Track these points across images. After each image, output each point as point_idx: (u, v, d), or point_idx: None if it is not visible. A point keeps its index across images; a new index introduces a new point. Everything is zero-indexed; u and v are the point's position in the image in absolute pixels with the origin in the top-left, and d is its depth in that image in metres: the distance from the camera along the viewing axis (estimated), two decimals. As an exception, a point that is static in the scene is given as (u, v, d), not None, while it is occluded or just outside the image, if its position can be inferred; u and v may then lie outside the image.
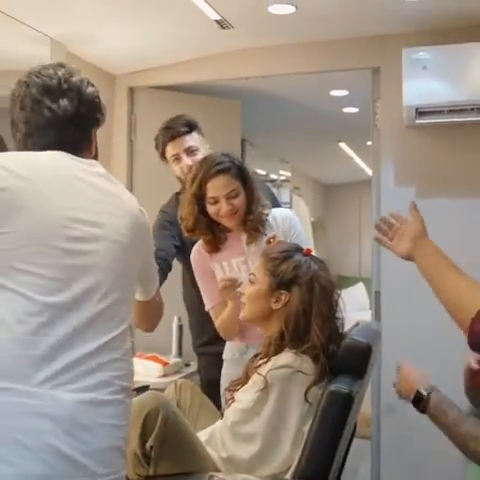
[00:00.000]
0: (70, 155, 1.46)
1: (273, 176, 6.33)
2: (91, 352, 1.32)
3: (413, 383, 1.76)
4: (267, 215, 2.29)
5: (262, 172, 5.87)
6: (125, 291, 1.44)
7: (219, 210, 2.20)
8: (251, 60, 3.38)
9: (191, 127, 2.76)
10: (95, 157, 1.57)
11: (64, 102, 1.47)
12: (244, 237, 2.26)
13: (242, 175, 2.24)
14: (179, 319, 3.23)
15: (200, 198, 2.21)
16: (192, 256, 2.37)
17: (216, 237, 2.28)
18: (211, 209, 2.21)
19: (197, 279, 2.38)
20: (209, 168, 2.19)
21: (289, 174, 6.87)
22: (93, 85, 1.54)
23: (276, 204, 2.69)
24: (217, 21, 2.92)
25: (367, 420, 3.27)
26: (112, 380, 1.33)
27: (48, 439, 1.23)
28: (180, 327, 3.23)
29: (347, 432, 1.88)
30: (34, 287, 1.30)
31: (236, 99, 3.90)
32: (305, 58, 3.33)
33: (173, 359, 3.12)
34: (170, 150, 2.75)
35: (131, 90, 3.64)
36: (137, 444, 1.75)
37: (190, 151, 2.72)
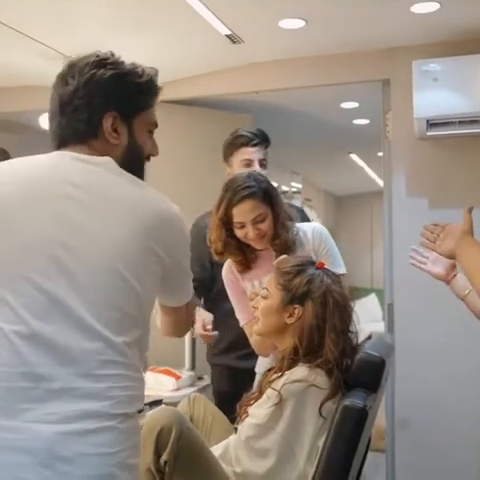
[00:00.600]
0: (71, 154, 1.36)
1: (284, 188, 6.34)
2: (73, 382, 1.23)
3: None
4: (294, 241, 2.23)
5: (273, 184, 5.88)
6: (124, 307, 1.30)
7: (246, 234, 2.17)
8: (262, 74, 3.40)
9: (268, 144, 2.83)
10: (129, 147, 1.43)
11: (65, 89, 1.39)
12: (274, 255, 2.21)
13: (269, 199, 2.19)
14: (192, 332, 3.22)
15: (227, 222, 2.18)
16: (223, 274, 2.35)
17: (246, 257, 2.26)
18: (238, 233, 2.19)
19: (230, 296, 2.36)
20: (235, 193, 2.15)
21: (300, 186, 6.89)
22: (112, 66, 1.40)
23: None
24: (228, 36, 2.95)
25: (381, 433, 3.25)
26: (101, 409, 1.24)
27: (21, 472, 1.18)
28: (193, 340, 3.22)
29: (361, 446, 1.87)
30: (8, 316, 1.23)
31: (247, 112, 3.91)
32: (315, 71, 3.35)
33: (186, 372, 3.11)
34: (245, 154, 2.75)
35: (143, 105, 3.66)
36: (151, 459, 1.75)
37: (262, 164, 2.77)
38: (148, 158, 1.51)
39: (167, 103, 3.68)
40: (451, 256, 1.79)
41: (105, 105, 1.39)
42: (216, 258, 2.31)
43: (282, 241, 2.20)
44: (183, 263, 1.47)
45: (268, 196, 2.19)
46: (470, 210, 1.78)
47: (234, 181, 2.19)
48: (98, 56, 1.41)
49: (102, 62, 1.40)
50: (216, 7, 2.64)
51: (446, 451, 3.02)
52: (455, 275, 2.00)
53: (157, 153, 1.53)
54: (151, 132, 1.50)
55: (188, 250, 1.48)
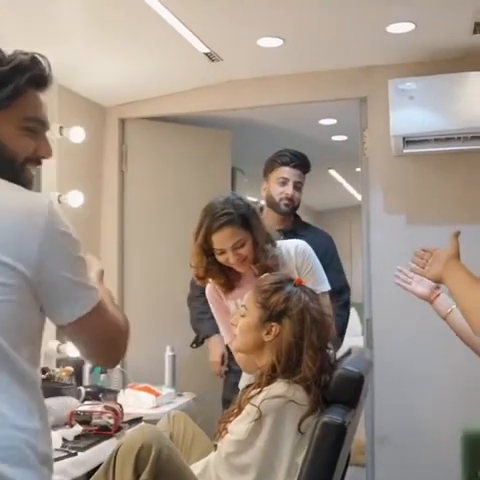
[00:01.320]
0: None
1: (264, 203, 6.35)
2: None
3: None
4: (276, 265, 2.22)
5: (253, 199, 5.90)
6: None
7: (227, 259, 2.17)
8: (241, 91, 3.43)
9: (307, 170, 3.01)
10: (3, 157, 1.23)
11: None
12: (257, 274, 2.20)
13: (247, 224, 2.17)
14: (172, 349, 3.22)
15: (207, 249, 2.17)
16: (207, 292, 2.35)
17: (229, 279, 2.26)
18: (219, 258, 2.18)
19: (214, 315, 2.38)
20: (213, 220, 2.13)
21: (280, 201, 6.89)
22: None
23: (329, 257, 2.65)
24: (206, 54, 2.97)
25: (361, 448, 3.25)
26: None
27: None
28: (173, 357, 3.21)
29: (341, 462, 1.88)
30: None
31: (226, 129, 3.94)
32: (294, 89, 3.38)
33: (166, 389, 3.09)
34: (283, 172, 2.94)
35: (122, 121, 3.67)
36: (130, 479, 1.74)
37: (296, 186, 2.94)
38: (36, 161, 1.31)
39: (145, 120, 3.70)
40: (438, 280, 1.81)
41: None
42: (198, 283, 2.32)
43: (262, 265, 2.19)
44: (62, 271, 1.19)
45: (246, 221, 2.17)
46: (456, 235, 1.80)
47: (212, 207, 2.17)
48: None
49: None
50: (195, 26, 2.66)
51: (426, 466, 3.03)
52: (438, 295, 2.03)
53: (48, 154, 1.31)
54: (30, 129, 1.27)
55: (72, 252, 1.21)
